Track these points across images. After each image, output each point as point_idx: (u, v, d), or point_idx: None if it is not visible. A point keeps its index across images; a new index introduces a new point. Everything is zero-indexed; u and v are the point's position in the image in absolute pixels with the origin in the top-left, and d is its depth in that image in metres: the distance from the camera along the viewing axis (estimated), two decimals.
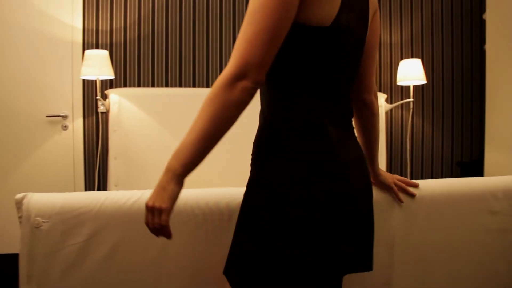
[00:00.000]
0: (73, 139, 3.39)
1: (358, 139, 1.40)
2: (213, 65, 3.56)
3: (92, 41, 3.42)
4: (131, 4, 3.47)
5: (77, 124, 3.38)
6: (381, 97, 3.47)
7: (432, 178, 3.91)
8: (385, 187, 1.57)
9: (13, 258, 3.14)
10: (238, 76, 1.03)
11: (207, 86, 3.55)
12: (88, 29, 3.41)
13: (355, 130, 1.37)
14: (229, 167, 2.92)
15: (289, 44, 1.11)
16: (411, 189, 1.57)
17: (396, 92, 3.88)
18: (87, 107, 3.44)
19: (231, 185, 1.67)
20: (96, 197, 1.40)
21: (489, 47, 3.28)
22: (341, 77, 1.22)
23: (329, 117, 1.17)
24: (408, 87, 3.65)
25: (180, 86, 3.53)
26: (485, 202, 1.63)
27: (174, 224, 1.41)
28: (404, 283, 1.59)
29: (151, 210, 1.08)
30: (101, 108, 3.32)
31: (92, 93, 3.43)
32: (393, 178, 1.58)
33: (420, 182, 1.64)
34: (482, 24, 3.89)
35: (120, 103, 3.09)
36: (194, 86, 3.54)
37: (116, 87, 3.44)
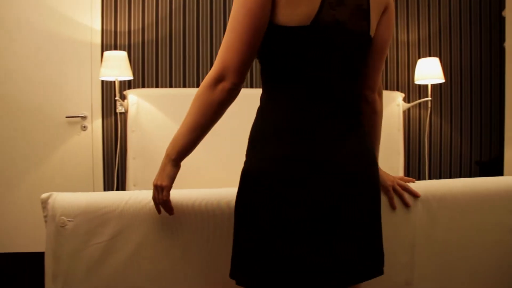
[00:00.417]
0: (92, 140, 3.42)
1: None
2: None
3: (111, 42, 3.45)
4: (149, 5, 3.50)
5: (96, 125, 3.42)
6: (399, 96, 3.45)
7: (450, 177, 3.87)
8: (382, 190, 1.51)
9: (33, 257, 3.19)
10: (218, 79, 1.18)
11: None
12: (106, 31, 3.45)
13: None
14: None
15: (275, 45, 1.19)
16: (408, 199, 1.54)
17: (414, 91, 3.85)
18: (106, 107, 3.47)
19: None
20: (120, 196, 1.42)
21: (508, 44, 3.24)
22: (334, 76, 1.22)
23: (317, 115, 1.19)
24: (426, 86, 3.63)
25: (198, 86, 3.53)
26: (507, 201, 1.62)
27: (195, 223, 1.42)
28: (425, 283, 1.59)
29: (155, 187, 1.31)
30: (119, 109, 3.35)
31: (110, 94, 3.46)
32: (393, 182, 1.55)
33: (441, 181, 1.64)
34: (501, 21, 3.84)
35: (138, 103, 3.12)
36: None
37: (134, 87, 3.47)
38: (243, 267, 1.21)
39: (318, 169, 1.17)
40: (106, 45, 3.44)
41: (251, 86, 3.62)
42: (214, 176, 2.99)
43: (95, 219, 1.38)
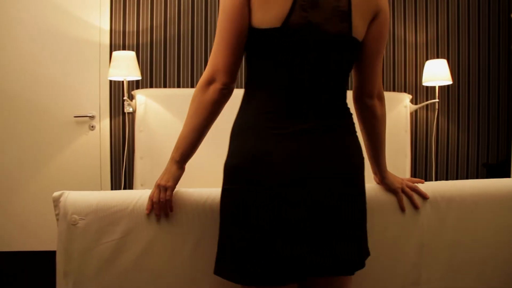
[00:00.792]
0: (100, 139, 3.44)
1: (363, 141, 1.47)
2: None
3: (119, 42, 3.47)
4: (158, 6, 3.51)
5: (104, 124, 3.43)
6: (406, 98, 3.45)
7: (457, 179, 3.87)
8: (391, 192, 1.55)
9: (42, 255, 3.21)
10: (209, 81, 1.27)
11: None
12: (115, 31, 3.47)
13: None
14: None
15: (251, 47, 1.27)
16: (417, 200, 1.55)
17: (422, 93, 3.85)
18: (114, 107, 3.49)
19: None
20: (131, 195, 1.43)
21: None
22: (308, 77, 1.25)
23: (285, 115, 1.24)
24: (434, 87, 3.62)
25: None
26: None
27: (206, 222, 1.43)
28: (433, 283, 1.59)
29: (158, 187, 1.37)
30: (127, 109, 3.36)
31: (118, 93, 3.48)
32: (402, 183, 1.56)
33: (450, 182, 1.64)
34: (510, 23, 3.84)
35: (146, 103, 3.13)
36: None
37: (142, 87, 3.48)
38: (237, 265, 1.23)
39: (277, 167, 1.20)
40: (115, 45, 3.46)
41: None
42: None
43: (106, 218, 1.39)
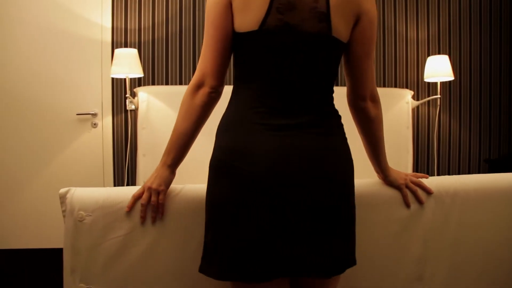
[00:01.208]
0: (103, 137, 3.44)
1: (362, 142, 1.51)
2: None
3: (121, 40, 3.47)
4: (159, 3, 3.52)
5: (106, 122, 3.44)
6: (408, 94, 3.46)
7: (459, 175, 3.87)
8: (395, 188, 1.56)
9: (46, 253, 3.22)
10: (198, 85, 1.32)
11: None
12: (117, 28, 3.47)
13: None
14: None
15: (235, 50, 1.33)
16: (421, 195, 1.56)
17: (423, 89, 3.85)
18: (116, 105, 3.49)
19: None
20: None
21: None
22: (286, 77, 1.27)
23: (269, 111, 1.27)
24: (435, 83, 3.62)
25: None
26: None
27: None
28: (437, 278, 1.59)
29: (148, 190, 1.38)
30: (130, 106, 3.36)
31: (121, 91, 3.48)
32: (406, 180, 1.56)
33: (454, 177, 1.64)
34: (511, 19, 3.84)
35: (148, 100, 3.13)
36: None
37: (144, 85, 3.49)
38: (221, 262, 1.25)
39: (253, 162, 1.23)
40: (117, 42, 3.46)
41: None
42: None
43: (112, 214, 1.39)
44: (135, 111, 3.35)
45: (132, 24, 3.49)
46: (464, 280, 1.61)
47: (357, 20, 1.32)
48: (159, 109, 3.14)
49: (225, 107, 1.36)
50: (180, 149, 1.37)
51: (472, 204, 1.59)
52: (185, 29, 3.55)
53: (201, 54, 1.33)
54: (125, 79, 3.27)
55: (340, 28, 1.29)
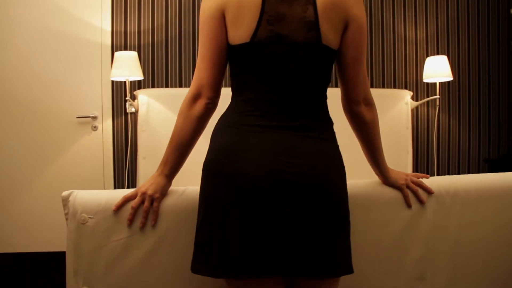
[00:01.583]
0: (103, 140, 3.45)
1: (360, 146, 1.53)
2: None
3: (121, 43, 3.48)
4: (159, 6, 3.52)
5: (106, 125, 3.44)
6: (407, 94, 3.46)
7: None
8: (396, 189, 1.57)
9: (46, 256, 3.22)
10: (195, 96, 1.35)
11: None
12: (116, 31, 3.48)
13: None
14: None
15: (229, 61, 1.36)
16: (422, 195, 1.56)
17: (422, 89, 3.86)
18: (116, 108, 3.50)
19: None
20: None
21: None
22: (279, 87, 1.30)
23: (262, 116, 1.30)
24: (435, 84, 3.63)
25: None
26: None
27: None
28: (439, 277, 1.59)
29: (142, 195, 1.39)
30: (130, 109, 3.37)
31: (121, 94, 3.49)
32: (406, 180, 1.57)
33: (455, 177, 1.65)
34: (509, 19, 3.85)
35: (148, 103, 3.14)
36: None
37: (144, 87, 3.49)
38: (210, 259, 1.26)
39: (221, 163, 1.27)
40: (116, 45, 3.47)
41: None
42: None
43: (115, 216, 1.40)
44: (135, 114, 3.35)
45: (132, 27, 3.49)
46: (465, 280, 1.61)
47: (346, 26, 1.34)
48: (159, 111, 3.15)
49: (222, 112, 1.39)
50: (178, 159, 1.40)
51: (473, 203, 1.59)
52: (184, 31, 3.55)
53: (196, 66, 1.36)
54: (125, 82, 3.28)
55: (330, 35, 1.31)
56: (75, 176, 3.38)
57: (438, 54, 3.85)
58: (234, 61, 1.35)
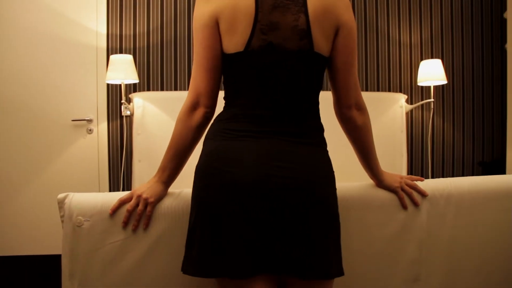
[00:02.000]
0: (98, 143, 3.44)
1: (353, 150, 1.54)
2: None
3: (116, 46, 3.48)
4: (154, 9, 3.53)
5: (101, 128, 3.44)
6: (402, 98, 3.48)
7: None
8: (391, 192, 1.58)
9: (40, 259, 3.21)
10: (193, 106, 1.35)
11: None
12: (112, 34, 3.48)
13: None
14: None
15: (223, 70, 1.36)
16: (417, 197, 1.57)
17: (417, 93, 3.88)
18: (112, 111, 3.49)
19: None
20: None
21: (510, 46, 3.27)
22: (272, 95, 1.32)
23: (254, 123, 1.31)
24: (429, 87, 3.65)
25: None
26: None
27: None
28: (433, 279, 1.61)
29: (137, 198, 1.39)
30: (125, 112, 3.37)
31: (116, 97, 3.49)
32: (401, 182, 1.58)
33: (448, 179, 1.66)
34: (503, 23, 3.88)
35: (144, 106, 3.14)
36: None
37: (139, 91, 3.50)
38: (203, 259, 1.27)
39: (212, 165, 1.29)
40: (112, 48, 3.47)
41: None
42: None
43: (111, 219, 1.40)
44: (130, 117, 3.35)
45: (127, 30, 3.50)
46: (460, 281, 1.63)
47: (336, 32, 1.36)
48: (155, 114, 3.15)
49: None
50: (175, 167, 1.41)
51: (467, 206, 1.61)
52: (180, 35, 3.56)
53: (192, 74, 1.36)
54: (120, 85, 3.28)
55: (321, 43, 1.33)
56: (70, 179, 3.37)
57: (432, 57, 3.87)
58: (227, 69, 1.35)
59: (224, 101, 1.41)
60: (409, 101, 3.83)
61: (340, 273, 1.34)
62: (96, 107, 3.43)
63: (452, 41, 3.93)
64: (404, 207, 1.56)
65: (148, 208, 1.40)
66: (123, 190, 3.44)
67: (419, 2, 3.88)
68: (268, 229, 1.24)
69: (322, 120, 1.43)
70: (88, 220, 1.40)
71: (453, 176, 3.93)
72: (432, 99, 3.57)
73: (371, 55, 3.81)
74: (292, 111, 1.34)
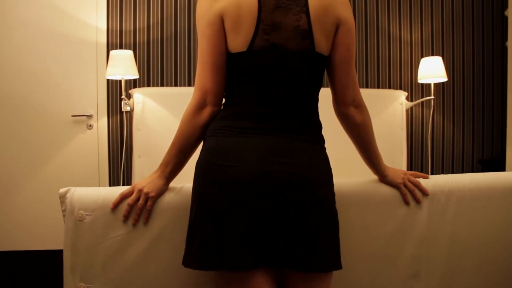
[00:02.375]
0: (98, 138, 3.44)
1: (355, 147, 1.54)
2: None
3: (116, 41, 3.48)
4: (154, 4, 3.52)
5: (101, 123, 3.44)
6: (402, 95, 3.48)
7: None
8: (394, 187, 1.58)
9: (41, 254, 3.21)
10: (200, 104, 1.35)
11: None
12: (112, 30, 3.47)
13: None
14: None
15: (227, 69, 1.35)
16: (419, 194, 1.58)
17: (417, 90, 3.88)
18: (111, 106, 3.49)
19: None
20: None
21: (511, 43, 3.27)
22: (274, 94, 1.33)
23: (256, 120, 1.32)
24: (429, 84, 3.65)
25: None
26: None
27: None
28: (433, 275, 1.61)
29: (138, 192, 1.40)
30: (125, 108, 3.37)
31: (116, 92, 3.48)
32: (404, 178, 1.58)
33: (449, 176, 1.66)
34: (504, 20, 3.88)
35: (144, 102, 3.14)
36: None
37: (140, 86, 3.50)
38: (203, 253, 1.27)
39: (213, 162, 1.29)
40: (112, 44, 3.47)
41: None
42: None
43: (112, 213, 1.40)
44: (130, 113, 3.35)
45: (127, 25, 3.49)
46: (460, 277, 1.63)
47: (336, 30, 1.37)
48: (155, 110, 3.14)
49: None
50: (178, 163, 1.41)
51: (467, 202, 1.61)
52: (180, 30, 3.56)
53: (197, 73, 1.36)
54: (120, 80, 3.28)
55: (322, 43, 1.35)
56: (70, 175, 3.37)
57: (433, 55, 3.87)
58: (231, 68, 1.35)
59: (224, 99, 1.42)
60: (409, 98, 3.83)
61: (338, 266, 1.34)
62: (96, 102, 3.43)
63: (452, 39, 3.92)
64: (407, 202, 1.56)
65: (149, 203, 1.40)
66: (123, 185, 3.43)
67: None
68: (269, 224, 1.25)
69: (322, 117, 1.44)
70: (90, 215, 1.40)
71: (453, 173, 3.92)
72: (432, 97, 3.57)
73: (371, 52, 3.81)
74: (295, 110, 1.35)
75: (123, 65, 3.09)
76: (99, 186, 3.44)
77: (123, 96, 3.18)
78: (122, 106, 3.32)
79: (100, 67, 3.41)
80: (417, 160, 3.90)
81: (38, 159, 3.34)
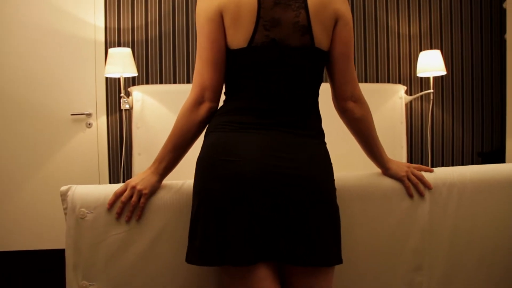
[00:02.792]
0: (97, 136, 3.44)
1: (356, 141, 1.55)
2: None
3: (114, 39, 3.47)
4: (152, 2, 3.51)
5: (101, 122, 3.43)
6: (401, 89, 3.48)
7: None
8: (397, 180, 1.58)
9: (41, 254, 3.21)
10: (198, 101, 1.34)
11: None
12: (110, 28, 3.46)
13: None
14: None
15: (227, 65, 1.35)
16: (422, 188, 1.57)
17: (416, 84, 3.88)
18: (111, 104, 3.49)
19: None
20: None
21: (509, 36, 3.27)
22: (275, 90, 1.33)
23: (257, 116, 1.32)
24: (428, 78, 3.65)
25: None
26: None
27: None
28: (435, 268, 1.61)
29: (132, 189, 1.39)
30: (124, 105, 3.36)
31: (115, 90, 3.48)
32: (407, 171, 1.58)
33: (451, 169, 1.66)
34: (502, 13, 3.87)
35: (143, 100, 3.14)
36: None
37: (138, 84, 3.49)
38: (206, 248, 1.27)
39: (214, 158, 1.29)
40: (110, 42, 3.46)
41: None
42: None
43: (114, 210, 1.40)
44: (129, 111, 3.35)
45: (125, 23, 3.48)
46: (462, 270, 1.63)
47: (335, 24, 1.38)
48: (154, 108, 3.14)
49: None
50: (173, 160, 1.41)
51: (469, 195, 1.61)
52: (178, 27, 3.55)
53: (196, 69, 1.36)
54: (119, 78, 3.27)
55: (321, 38, 1.35)
56: (70, 174, 3.37)
57: (431, 48, 3.86)
58: (230, 64, 1.35)
59: (224, 95, 1.42)
60: (409, 92, 3.83)
61: (339, 261, 1.34)
62: (95, 101, 3.42)
63: (451, 32, 3.92)
64: (410, 195, 1.56)
65: (142, 200, 1.40)
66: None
67: None
68: (270, 221, 1.25)
69: (322, 112, 1.44)
70: (92, 212, 1.40)
71: (453, 166, 3.92)
72: (431, 90, 3.56)
73: (370, 46, 3.81)
74: (296, 105, 1.35)
75: (122, 63, 3.08)
76: (99, 184, 3.44)
77: (122, 94, 3.17)
78: (121, 104, 3.31)
79: (98, 65, 3.40)
80: (417, 154, 3.90)
81: (37, 158, 3.33)
